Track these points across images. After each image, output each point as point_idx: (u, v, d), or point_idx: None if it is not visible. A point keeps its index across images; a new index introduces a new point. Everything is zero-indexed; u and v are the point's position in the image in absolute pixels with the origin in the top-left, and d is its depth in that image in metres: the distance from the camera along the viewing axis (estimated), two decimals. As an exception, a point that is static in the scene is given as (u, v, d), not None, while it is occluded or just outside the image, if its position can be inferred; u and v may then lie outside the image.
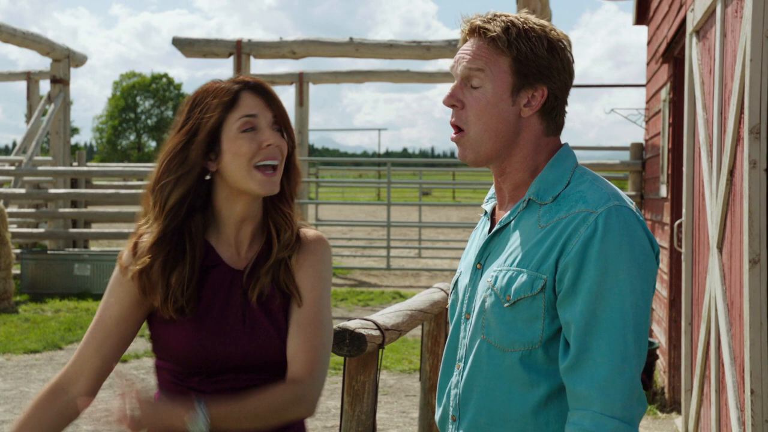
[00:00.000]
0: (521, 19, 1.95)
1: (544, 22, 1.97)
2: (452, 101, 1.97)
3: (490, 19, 1.95)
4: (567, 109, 2.01)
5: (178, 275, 2.06)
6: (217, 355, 2.05)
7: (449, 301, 2.13)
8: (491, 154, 1.96)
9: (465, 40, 1.99)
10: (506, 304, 1.89)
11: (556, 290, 1.86)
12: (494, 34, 1.93)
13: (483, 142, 1.95)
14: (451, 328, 2.07)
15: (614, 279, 1.81)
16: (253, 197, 2.11)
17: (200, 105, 2.10)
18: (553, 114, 1.96)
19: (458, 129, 1.97)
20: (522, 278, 1.88)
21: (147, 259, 2.07)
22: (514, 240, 1.94)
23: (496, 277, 1.92)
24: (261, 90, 2.11)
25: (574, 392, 1.82)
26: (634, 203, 1.92)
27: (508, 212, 1.98)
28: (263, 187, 2.07)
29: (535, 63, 1.92)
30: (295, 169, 2.17)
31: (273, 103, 2.11)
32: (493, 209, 2.08)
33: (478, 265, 2.01)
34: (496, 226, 1.99)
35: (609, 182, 1.96)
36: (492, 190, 2.11)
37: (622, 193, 1.92)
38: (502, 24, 1.93)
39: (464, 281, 2.05)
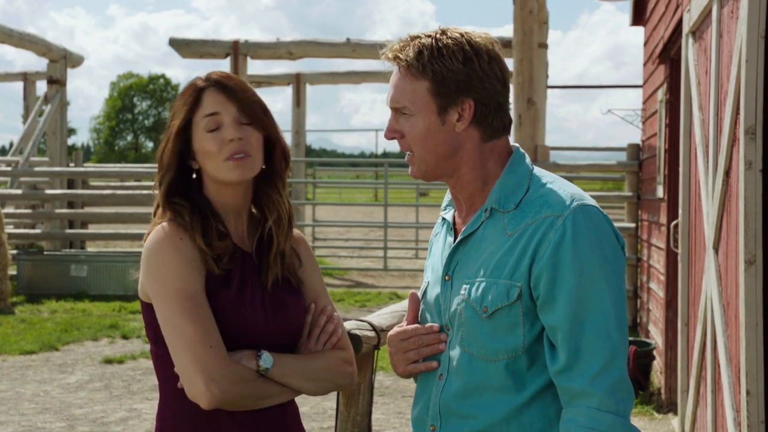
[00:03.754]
0: (437, 36, 1.95)
1: (465, 30, 1.96)
2: (392, 135, 2.01)
3: (404, 45, 1.97)
4: (509, 108, 2.01)
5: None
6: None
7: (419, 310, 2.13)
8: (438, 172, 2.00)
9: (391, 68, 2.01)
10: (484, 316, 1.91)
11: (533, 296, 1.88)
12: (407, 62, 1.95)
13: (428, 163, 1.99)
14: None
15: (591, 279, 1.84)
16: (236, 185, 2.13)
17: (174, 106, 2.15)
18: (489, 120, 1.96)
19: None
20: (497, 288, 1.90)
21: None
22: (483, 250, 1.95)
23: (470, 289, 1.94)
24: (222, 85, 2.11)
25: (567, 390, 1.84)
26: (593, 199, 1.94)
27: (470, 221, 1.99)
28: (235, 172, 2.09)
29: (452, 80, 1.92)
30: (278, 154, 2.19)
31: (236, 96, 2.11)
32: (453, 218, 2.09)
33: (447, 277, 2.02)
34: (460, 236, 2.00)
35: (567, 181, 1.98)
36: (447, 198, 2.12)
37: (581, 191, 1.94)
38: (415, 48, 1.94)
39: (434, 292, 2.06)
